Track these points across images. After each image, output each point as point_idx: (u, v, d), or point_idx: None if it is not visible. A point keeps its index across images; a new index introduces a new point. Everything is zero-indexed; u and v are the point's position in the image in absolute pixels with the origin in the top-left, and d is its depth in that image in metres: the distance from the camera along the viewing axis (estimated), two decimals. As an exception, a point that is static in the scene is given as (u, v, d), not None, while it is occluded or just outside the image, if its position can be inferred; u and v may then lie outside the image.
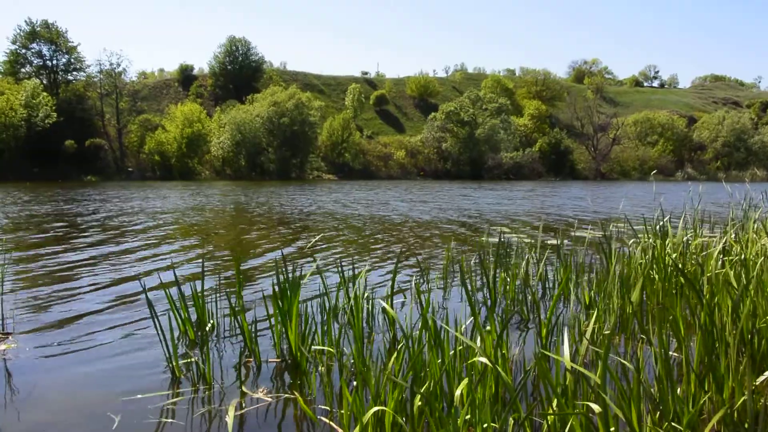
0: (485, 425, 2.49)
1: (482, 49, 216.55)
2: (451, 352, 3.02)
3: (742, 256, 4.47)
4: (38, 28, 53.62)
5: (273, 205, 20.19)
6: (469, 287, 5.27)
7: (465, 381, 2.68)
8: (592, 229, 11.65)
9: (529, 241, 9.33)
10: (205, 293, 4.70)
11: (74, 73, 55.50)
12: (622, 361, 2.83)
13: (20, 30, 53.65)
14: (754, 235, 5.21)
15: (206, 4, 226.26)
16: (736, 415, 2.59)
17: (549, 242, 9.41)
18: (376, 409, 2.60)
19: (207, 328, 4.52)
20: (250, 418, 3.07)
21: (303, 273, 4.63)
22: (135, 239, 10.63)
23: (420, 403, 2.68)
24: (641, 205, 18.57)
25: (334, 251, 9.06)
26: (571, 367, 2.58)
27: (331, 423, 2.96)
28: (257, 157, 54.15)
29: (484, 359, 2.66)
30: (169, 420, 3.02)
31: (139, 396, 3.29)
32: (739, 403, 2.66)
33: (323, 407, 3.15)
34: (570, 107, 76.67)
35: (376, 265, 7.76)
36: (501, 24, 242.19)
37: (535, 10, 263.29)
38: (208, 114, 58.68)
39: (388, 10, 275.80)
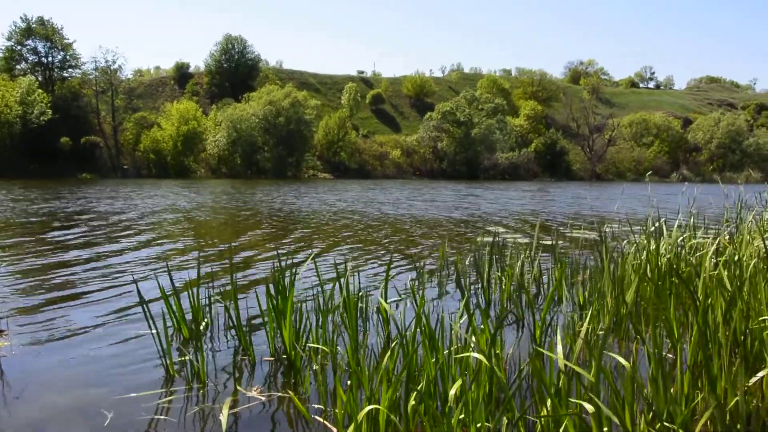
0: (479, 425, 2.49)
1: (479, 49, 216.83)
2: (446, 352, 3.02)
3: (736, 258, 4.48)
4: (34, 25, 53.30)
5: (268, 203, 20.16)
6: (464, 287, 5.28)
7: (459, 380, 2.68)
8: (587, 229, 11.67)
9: (524, 241, 9.34)
10: (200, 291, 4.69)
11: (70, 70, 55.22)
12: (618, 357, 2.83)
13: (15, 26, 53.38)
14: (748, 237, 5.23)
15: (205, 4, 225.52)
16: (728, 415, 2.60)
17: (544, 242, 9.43)
18: (370, 407, 2.60)
19: (201, 326, 4.51)
20: (243, 416, 3.07)
21: (298, 271, 4.62)
22: (129, 237, 10.60)
23: (414, 402, 2.68)
24: (636, 206, 18.61)
25: (328, 249, 9.05)
26: (565, 366, 2.58)
27: (325, 422, 2.95)
28: (253, 156, 54.06)
29: (478, 355, 2.66)
30: (163, 417, 3.01)
31: (133, 394, 3.28)
32: (732, 403, 2.67)
33: (317, 406, 3.14)
34: (566, 108, 76.73)
35: (371, 263, 7.76)
36: (498, 24, 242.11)
37: (532, 11, 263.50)
38: (204, 112, 58.53)
39: (385, 11, 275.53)
